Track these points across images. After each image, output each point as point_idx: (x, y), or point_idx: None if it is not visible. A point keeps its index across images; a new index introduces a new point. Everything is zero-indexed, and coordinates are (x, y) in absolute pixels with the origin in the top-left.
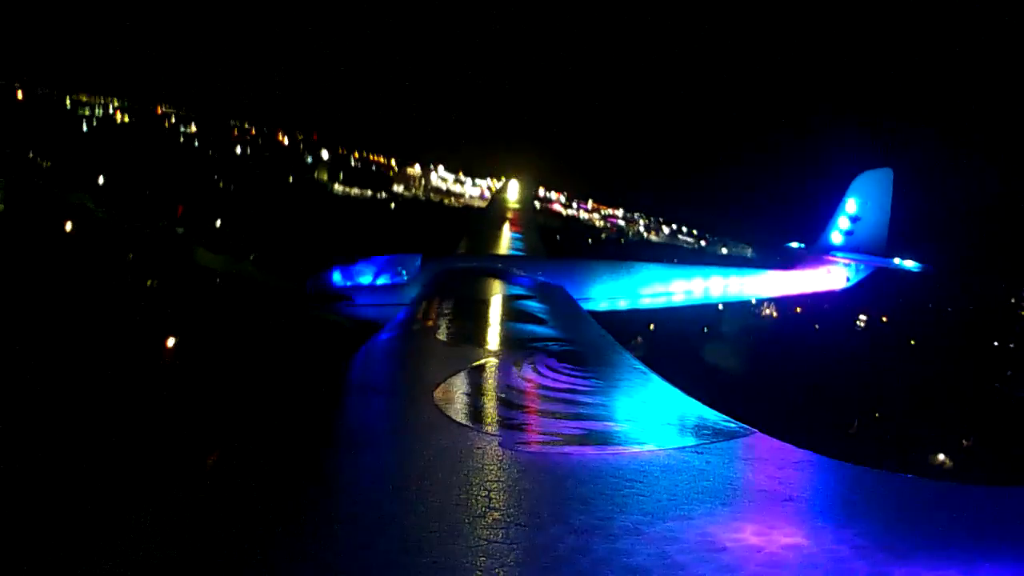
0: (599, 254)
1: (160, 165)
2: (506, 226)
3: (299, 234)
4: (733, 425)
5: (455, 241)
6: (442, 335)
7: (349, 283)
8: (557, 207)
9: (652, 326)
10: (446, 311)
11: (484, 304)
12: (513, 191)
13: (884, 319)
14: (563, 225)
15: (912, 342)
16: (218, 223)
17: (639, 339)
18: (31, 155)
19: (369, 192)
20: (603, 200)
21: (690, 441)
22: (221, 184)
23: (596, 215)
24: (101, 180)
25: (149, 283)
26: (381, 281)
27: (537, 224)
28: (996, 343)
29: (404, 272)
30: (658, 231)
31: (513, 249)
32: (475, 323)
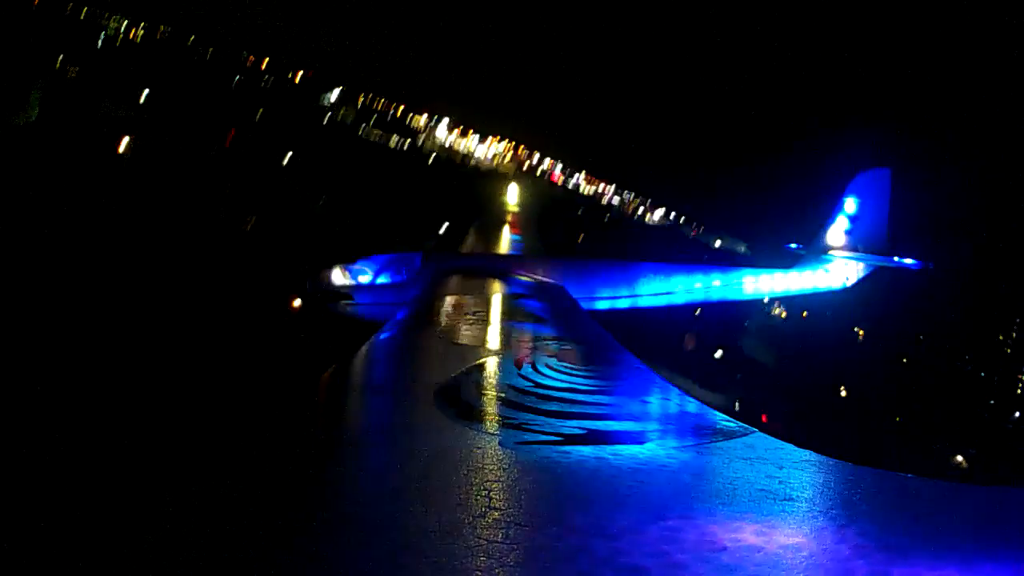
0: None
1: (190, 86)
2: (506, 226)
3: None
4: (733, 424)
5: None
6: (442, 334)
7: (349, 282)
8: (556, 177)
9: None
10: (446, 310)
11: (484, 303)
12: (513, 193)
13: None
14: (566, 197)
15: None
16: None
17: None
18: (58, 64)
19: (395, 139)
20: (596, 174)
21: (690, 440)
22: (260, 112)
23: (590, 187)
24: (140, 97)
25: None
26: (381, 280)
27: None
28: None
29: (404, 271)
30: (651, 212)
31: (513, 248)
32: (475, 322)
